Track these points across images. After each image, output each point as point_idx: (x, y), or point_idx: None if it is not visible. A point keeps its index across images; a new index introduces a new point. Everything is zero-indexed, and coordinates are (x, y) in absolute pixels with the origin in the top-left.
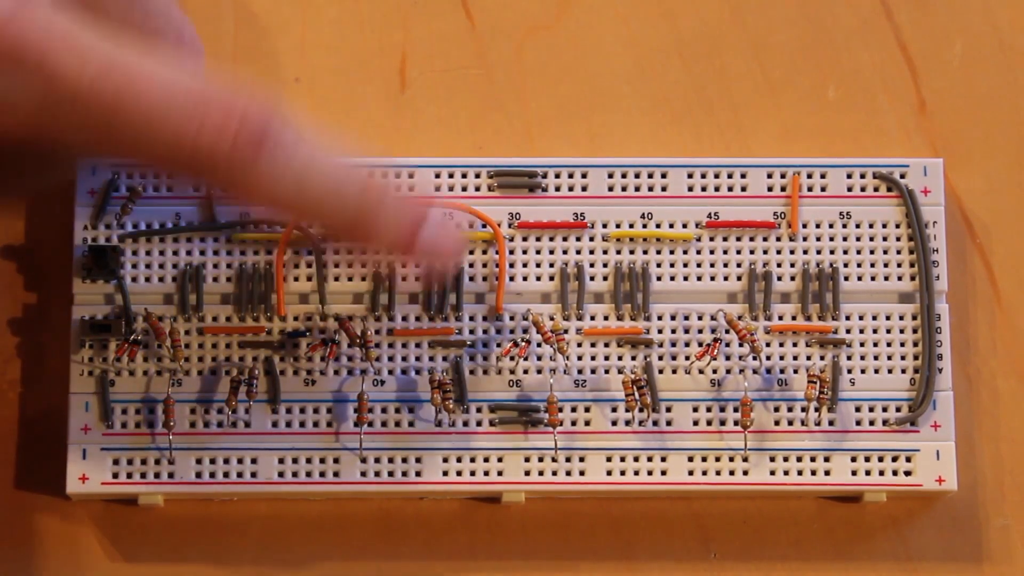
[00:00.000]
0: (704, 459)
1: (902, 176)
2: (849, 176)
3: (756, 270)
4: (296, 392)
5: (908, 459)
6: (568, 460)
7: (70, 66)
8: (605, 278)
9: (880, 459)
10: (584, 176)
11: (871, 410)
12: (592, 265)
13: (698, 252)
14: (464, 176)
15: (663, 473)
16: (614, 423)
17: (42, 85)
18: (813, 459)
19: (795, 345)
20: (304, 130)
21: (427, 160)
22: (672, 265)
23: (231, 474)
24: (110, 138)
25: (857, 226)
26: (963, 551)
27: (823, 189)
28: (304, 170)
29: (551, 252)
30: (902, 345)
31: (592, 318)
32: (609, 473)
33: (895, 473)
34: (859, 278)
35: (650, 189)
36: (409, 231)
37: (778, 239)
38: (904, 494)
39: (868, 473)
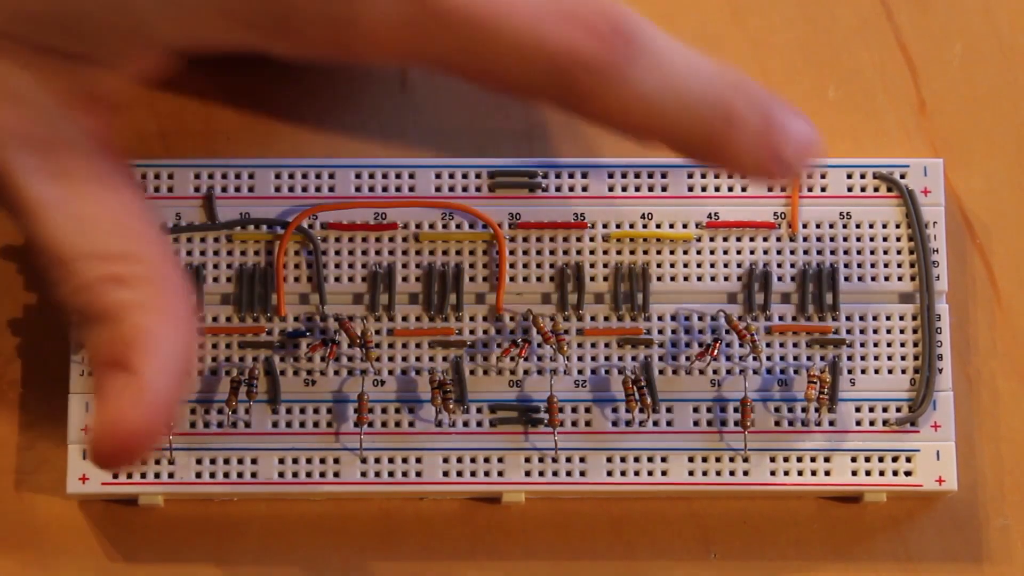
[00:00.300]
0: (704, 459)
1: (902, 176)
2: (849, 176)
3: (756, 270)
4: (296, 392)
5: (908, 459)
6: (568, 460)
7: None
8: (605, 278)
9: (880, 459)
10: (584, 176)
11: (871, 410)
12: (592, 265)
13: (698, 252)
14: (464, 176)
15: (663, 473)
16: (614, 423)
17: (415, 5)
18: (813, 459)
19: (795, 345)
20: (666, 33)
21: (427, 160)
22: (672, 265)
23: (231, 474)
24: (473, 58)
25: (857, 226)
26: (963, 551)
27: (823, 189)
28: (673, 71)
29: (551, 252)
30: (902, 345)
31: (592, 318)
32: (609, 473)
33: (895, 473)
34: (859, 278)
35: (650, 189)
36: (774, 147)
37: (778, 239)
38: (904, 494)
39: (868, 473)
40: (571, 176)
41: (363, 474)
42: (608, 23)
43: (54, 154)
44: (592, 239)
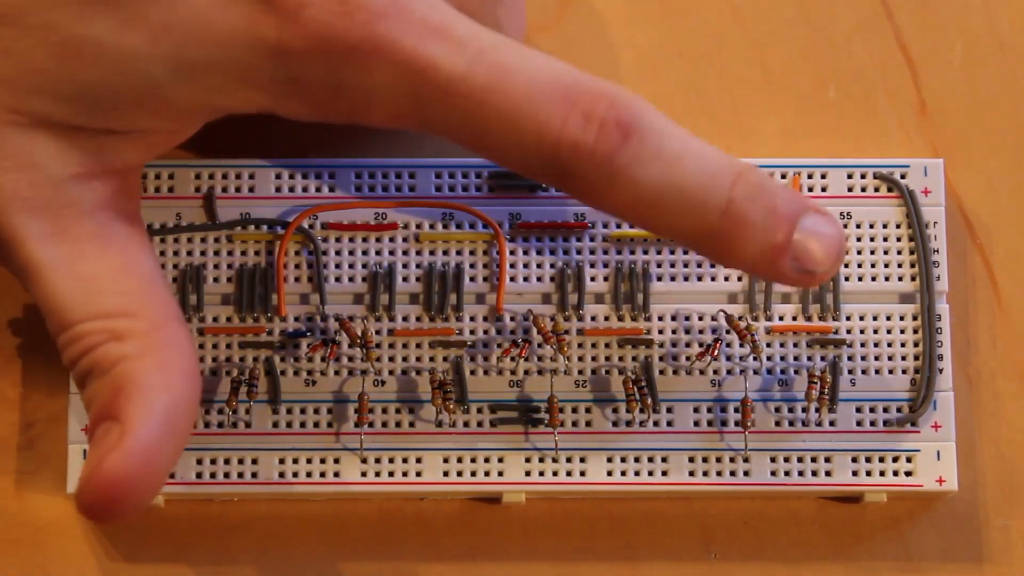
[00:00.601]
0: (705, 459)
1: (902, 176)
2: (849, 176)
3: None
4: (296, 392)
5: (908, 459)
6: (568, 460)
7: (444, 57)
8: (605, 278)
9: (880, 459)
10: None
11: (871, 410)
12: (592, 265)
13: None
14: (464, 176)
15: (664, 473)
16: (614, 423)
17: (416, 78)
18: (814, 459)
19: (795, 345)
20: (668, 120)
21: (427, 160)
22: (672, 265)
23: (231, 474)
24: (473, 132)
25: (857, 226)
26: (963, 551)
27: (823, 189)
28: (671, 162)
29: (551, 252)
30: (902, 345)
31: (592, 318)
32: (609, 473)
33: (895, 473)
34: (859, 278)
35: None
36: (781, 243)
37: None
38: (905, 494)
39: (868, 473)
40: None
41: (363, 474)
42: (608, 110)
43: (59, 217)
44: (592, 239)
